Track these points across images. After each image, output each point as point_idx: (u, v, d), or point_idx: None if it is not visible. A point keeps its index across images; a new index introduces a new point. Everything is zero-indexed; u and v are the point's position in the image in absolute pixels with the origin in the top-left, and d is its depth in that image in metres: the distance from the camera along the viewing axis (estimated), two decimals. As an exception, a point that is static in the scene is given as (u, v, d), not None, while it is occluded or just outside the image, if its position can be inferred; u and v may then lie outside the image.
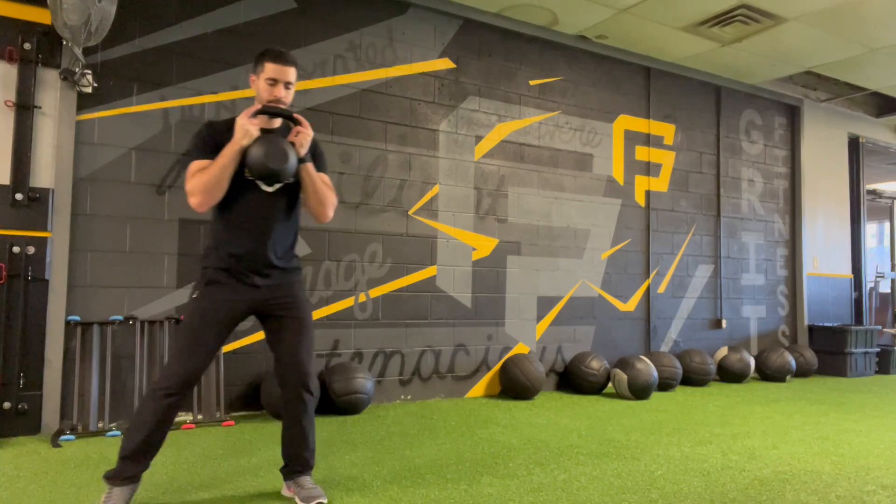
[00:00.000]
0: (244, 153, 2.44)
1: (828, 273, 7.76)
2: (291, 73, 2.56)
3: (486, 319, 5.37)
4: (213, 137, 2.50)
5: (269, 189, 2.53)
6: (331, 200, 2.67)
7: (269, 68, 2.51)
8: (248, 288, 2.52)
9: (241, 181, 2.49)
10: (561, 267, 5.79)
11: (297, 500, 2.56)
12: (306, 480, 2.61)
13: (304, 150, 2.56)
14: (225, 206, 2.51)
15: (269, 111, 2.52)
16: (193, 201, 2.42)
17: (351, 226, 4.82)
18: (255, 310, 2.57)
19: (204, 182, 2.40)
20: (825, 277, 7.72)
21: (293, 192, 2.62)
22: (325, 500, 2.55)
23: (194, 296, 2.51)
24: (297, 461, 2.62)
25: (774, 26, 5.62)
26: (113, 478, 2.39)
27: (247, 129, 2.43)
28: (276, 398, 4.13)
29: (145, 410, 2.41)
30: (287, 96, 2.57)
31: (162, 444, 2.46)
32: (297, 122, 2.59)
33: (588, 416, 4.50)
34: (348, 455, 3.35)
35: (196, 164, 2.45)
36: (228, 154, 2.41)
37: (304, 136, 2.56)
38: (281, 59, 2.53)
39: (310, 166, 2.59)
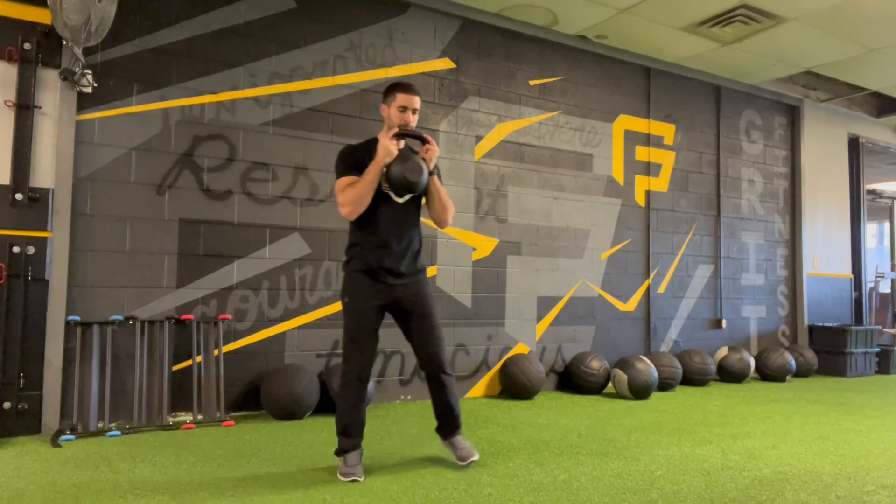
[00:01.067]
0: (386, 169, 2.90)
1: (828, 273, 7.76)
2: (418, 101, 3.02)
3: (486, 319, 5.37)
4: (354, 157, 2.97)
5: (400, 200, 3.00)
6: (451, 208, 3.13)
7: (400, 98, 2.99)
8: (386, 287, 2.96)
9: (378, 194, 2.93)
10: (561, 267, 5.79)
11: (454, 458, 3.13)
12: (458, 440, 3.16)
13: (432, 165, 3.02)
14: (365, 216, 2.93)
15: (407, 133, 2.99)
16: (345, 211, 2.89)
17: (351, 226, 4.82)
18: (392, 306, 3.02)
19: (355, 195, 2.86)
20: (825, 277, 7.72)
21: (418, 202, 3.09)
22: (477, 457, 3.13)
23: (346, 300, 2.96)
24: (450, 425, 3.16)
25: (774, 26, 5.62)
26: (341, 451, 2.96)
27: (389, 149, 2.88)
28: (276, 398, 4.16)
29: (346, 397, 2.96)
30: (413, 121, 3.02)
31: (365, 416, 3.03)
32: (425, 142, 3.02)
33: (588, 416, 4.50)
34: (348, 455, 3.34)
35: (345, 180, 2.92)
36: (374, 170, 2.87)
37: (433, 153, 3.01)
38: (410, 90, 3.01)
39: (435, 178, 3.05)
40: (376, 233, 2.95)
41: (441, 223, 3.13)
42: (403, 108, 2.98)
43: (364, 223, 2.96)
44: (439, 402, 3.14)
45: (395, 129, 2.95)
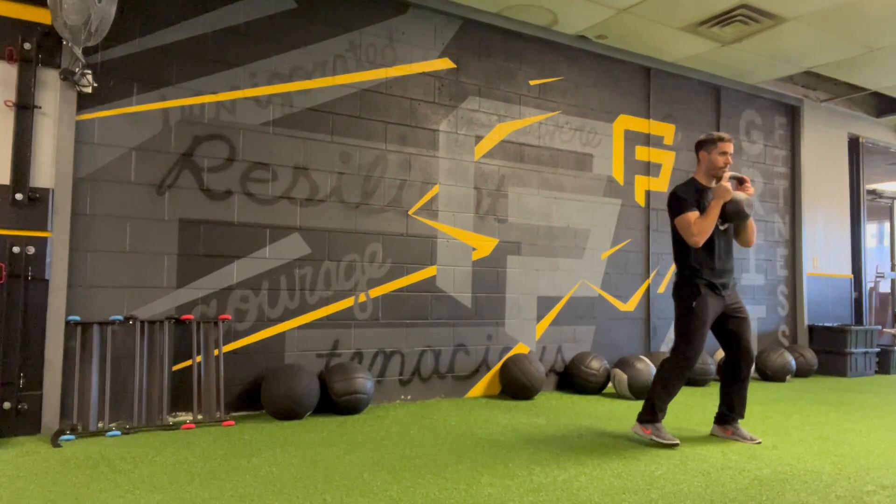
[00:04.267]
0: (723, 205, 3.70)
1: (828, 273, 7.76)
2: (732, 146, 3.86)
3: (486, 319, 5.37)
4: (693, 197, 3.76)
5: (722, 228, 3.79)
6: (756, 232, 4.02)
7: (722, 146, 3.81)
8: (720, 297, 3.74)
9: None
10: (561, 267, 5.79)
11: (743, 440, 3.79)
12: (740, 426, 3.87)
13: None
14: (706, 243, 3.72)
15: (735, 176, 3.81)
16: (697, 239, 3.66)
17: (351, 226, 4.83)
18: (722, 312, 3.75)
19: (705, 227, 3.66)
20: (825, 277, 7.72)
21: (730, 228, 3.86)
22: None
23: (694, 304, 3.68)
24: (738, 412, 3.86)
25: (774, 26, 5.62)
26: (651, 422, 3.70)
27: (729, 190, 3.69)
28: (276, 398, 4.15)
29: (676, 377, 3.70)
30: (730, 163, 3.83)
31: None
32: (744, 181, 3.82)
33: (588, 416, 4.50)
34: (348, 455, 3.35)
35: (692, 215, 3.69)
36: (716, 206, 3.68)
37: (752, 190, 3.83)
38: (728, 139, 3.83)
39: None
40: (711, 253, 3.74)
41: (748, 245, 3.96)
42: (724, 153, 3.79)
43: (704, 246, 3.71)
44: (738, 388, 3.83)
45: (727, 173, 3.78)
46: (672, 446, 3.60)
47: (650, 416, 3.70)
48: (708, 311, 3.69)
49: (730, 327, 3.79)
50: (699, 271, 3.72)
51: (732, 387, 3.85)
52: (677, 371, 3.69)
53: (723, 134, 3.87)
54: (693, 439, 3.83)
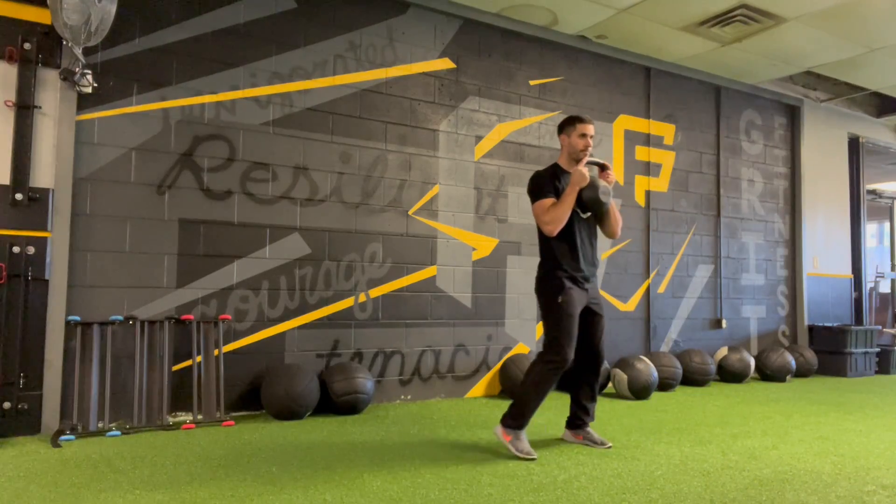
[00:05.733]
0: (579, 192, 3.43)
1: (828, 273, 7.76)
2: (593, 129, 3.58)
3: (486, 319, 5.37)
4: (550, 182, 3.49)
5: (584, 216, 3.54)
6: (621, 221, 3.72)
7: (580, 127, 3.53)
8: (584, 290, 3.50)
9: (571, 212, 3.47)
10: (561, 267, 5.78)
11: (594, 445, 3.56)
12: (591, 431, 3.65)
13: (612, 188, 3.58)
14: (563, 231, 3.45)
15: (593, 162, 3.59)
16: (550, 228, 3.40)
17: (351, 226, 4.83)
18: (584, 306, 3.51)
19: (558, 214, 3.40)
20: (825, 277, 7.71)
21: (593, 217, 3.61)
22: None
23: (560, 300, 3.39)
24: (591, 415, 3.67)
25: (774, 26, 5.62)
26: (514, 428, 3.38)
27: (584, 175, 3.43)
28: (276, 398, 4.15)
29: (550, 379, 3.38)
30: (590, 146, 3.56)
31: None
32: (605, 168, 3.59)
33: (588, 416, 4.50)
34: (348, 455, 3.35)
35: (546, 202, 3.43)
36: (572, 193, 3.41)
37: (612, 177, 3.59)
38: (587, 120, 3.56)
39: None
40: (573, 245, 3.47)
41: (613, 235, 3.70)
42: (584, 136, 3.52)
43: (559, 236, 3.46)
44: (587, 392, 3.66)
45: (585, 158, 3.54)
46: (529, 460, 3.28)
47: (514, 421, 3.40)
48: (575, 304, 3.43)
49: (585, 325, 3.54)
50: (561, 263, 3.45)
51: (582, 389, 3.65)
52: (551, 373, 3.37)
53: (583, 115, 3.63)
54: (693, 439, 3.83)
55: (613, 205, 3.60)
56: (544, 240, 3.51)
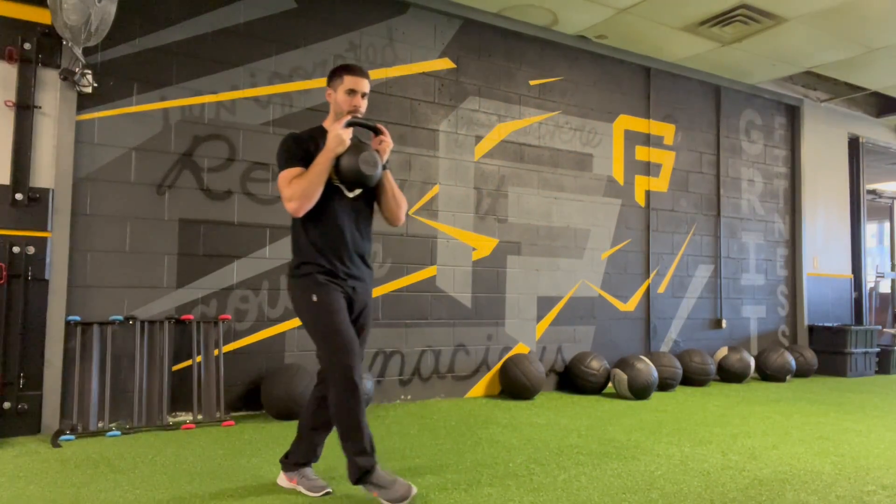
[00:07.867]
0: (336, 160, 2.60)
1: (828, 273, 7.76)
2: (367, 84, 2.71)
3: (486, 319, 5.37)
4: (300, 147, 2.64)
5: (350, 195, 2.70)
6: (405, 204, 2.84)
7: (348, 80, 2.67)
8: (344, 286, 2.66)
9: (328, 187, 2.62)
10: (561, 267, 5.79)
11: (313, 492, 2.73)
12: (310, 471, 2.83)
13: (386, 158, 2.73)
14: (314, 212, 2.62)
15: (359, 122, 2.68)
16: (292, 206, 2.56)
17: (351, 226, 4.82)
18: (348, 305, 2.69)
19: (303, 188, 2.54)
20: (825, 277, 7.71)
21: (370, 197, 2.78)
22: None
23: (315, 300, 2.60)
24: (317, 454, 2.87)
25: (774, 26, 5.62)
26: (367, 473, 2.61)
27: (342, 137, 2.59)
28: (276, 398, 4.15)
29: (351, 399, 2.57)
30: (363, 105, 2.71)
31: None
32: (378, 132, 2.74)
33: (588, 416, 4.50)
34: (348, 455, 3.34)
35: (290, 172, 2.59)
36: (324, 161, 2.57)
37: (387, 144, 2.73)
38: (357, 71, 2.70)
39: (388, 172, 2.77)
40: (330, 230, 2.64)
41: (395, 220, 2.82)
42: (352, 92, 2.66)
43: (315, 219, 2.63)
44: (323, 426, 2.83)
45: (347, 117, 2.65)
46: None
47: (359, 455, 2.62)
48: (336, 297, 2.61)
49: None
50: (314, 255, 2.63)
51: (320, 422, 2.81)
52: (347, 392, 2.55)
53: (353, 63, 2.82)
54: (693, 439, 3.83)
55: (391, 180, 2.77)
56: (295, 225, 2.70)
